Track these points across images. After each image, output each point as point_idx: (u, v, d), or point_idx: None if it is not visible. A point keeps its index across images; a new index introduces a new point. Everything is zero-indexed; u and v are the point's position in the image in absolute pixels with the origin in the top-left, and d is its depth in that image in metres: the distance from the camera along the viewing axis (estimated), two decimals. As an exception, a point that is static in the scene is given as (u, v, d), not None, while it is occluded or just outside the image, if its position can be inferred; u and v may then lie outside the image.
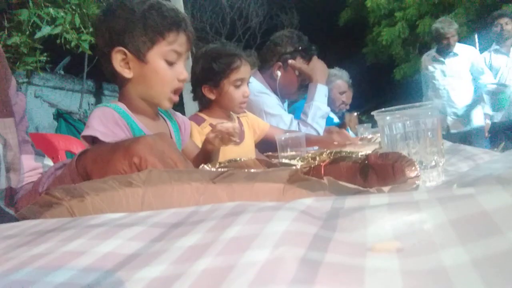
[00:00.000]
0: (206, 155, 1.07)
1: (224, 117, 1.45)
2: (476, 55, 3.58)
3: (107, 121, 0.91)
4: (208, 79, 1.38)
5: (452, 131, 3.55)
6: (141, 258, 0.25)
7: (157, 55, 0.95)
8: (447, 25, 3.44)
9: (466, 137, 3.48)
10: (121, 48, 0.93)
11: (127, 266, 0.24)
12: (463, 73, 3.50)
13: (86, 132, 0.88)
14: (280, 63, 1.89)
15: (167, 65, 0.96)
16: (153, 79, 0.96)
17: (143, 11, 0.92)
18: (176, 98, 1.01)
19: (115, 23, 0.93)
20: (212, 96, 1.41)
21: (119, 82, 1.00)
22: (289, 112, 2.03)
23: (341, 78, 3.04)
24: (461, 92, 3.52)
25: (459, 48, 3.53)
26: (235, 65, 1.37)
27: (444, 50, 3.51)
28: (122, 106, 0.97)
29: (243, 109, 1.49)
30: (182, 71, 0.99)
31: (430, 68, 3.63)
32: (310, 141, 1.55)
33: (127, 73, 0.95)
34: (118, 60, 0.94)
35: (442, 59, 3.55)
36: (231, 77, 1.38)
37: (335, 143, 1.52)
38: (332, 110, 3.03)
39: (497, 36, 3.58)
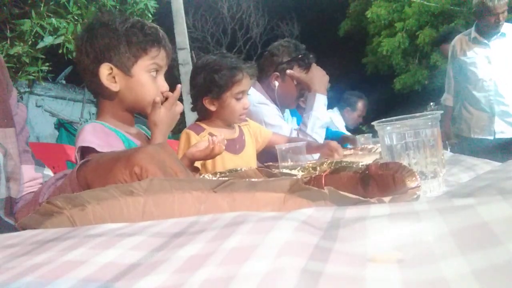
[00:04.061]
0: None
1: (223, 126, 1.46)
2: None
3: (99, 134, 0.96)
4: (209, 91, 1.39)
5: (501, 136, 2.69)
6: (141, 268, 0.25)
7: (140, 68, 1.02)
8: None
9: None
10: (107, 64, 0.99)
11: (127, 276, 0.24)
12: None
13: (82, 144, 0.92)
14: (277, 73, 1.89)
15: (150, 78, 1.03)
16: (139, 91, 1.03)
17: (125, 30, 1.00)
18: None
19: (100, 41, 0.99)
20: (213, 108, 1.42)
21: (105, 96, 1.05)
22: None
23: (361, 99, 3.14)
24: None
25: (506, 27, 2.64)
26: (237, 78, 1.38)
27: (489, 30, 2.64)
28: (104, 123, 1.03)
29: (242, 120, 1.50)
30: (163, 84, 1.07)
31: (469, 53, 2.71)
32: (310, 148, 1.55)
33: (114, 87, 1.01)
34: (105, 75, 1.00)
35: (485, 41, 2.67)
36: (233, 90, 1.38)
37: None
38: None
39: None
